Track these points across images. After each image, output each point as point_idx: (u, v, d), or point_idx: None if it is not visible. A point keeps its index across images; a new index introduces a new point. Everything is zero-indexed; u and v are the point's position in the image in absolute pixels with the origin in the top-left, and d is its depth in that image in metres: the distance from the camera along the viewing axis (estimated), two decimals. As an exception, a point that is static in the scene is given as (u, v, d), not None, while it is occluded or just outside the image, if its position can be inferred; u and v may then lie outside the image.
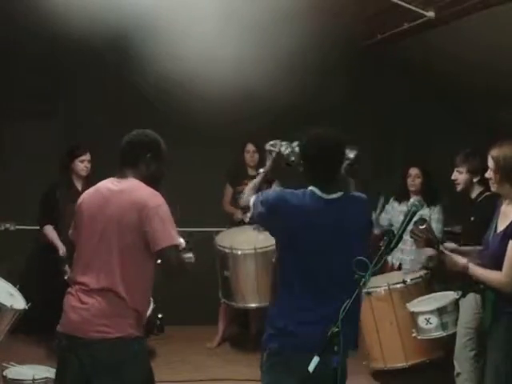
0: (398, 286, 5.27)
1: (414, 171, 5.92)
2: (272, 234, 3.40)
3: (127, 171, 3.38)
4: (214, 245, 6.10)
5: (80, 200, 3.45)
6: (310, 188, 3.31)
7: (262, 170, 3.70)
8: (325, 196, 3.28)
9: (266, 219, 3.34)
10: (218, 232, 6.37)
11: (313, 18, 5.67)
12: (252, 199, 3.40)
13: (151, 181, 3.39)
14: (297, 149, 3.52)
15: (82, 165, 5.95)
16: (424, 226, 4.05)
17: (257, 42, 5.63)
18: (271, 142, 3.68)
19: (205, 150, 6.72)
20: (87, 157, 5.96)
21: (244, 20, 5.43)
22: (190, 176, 6.77)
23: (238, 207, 6.60)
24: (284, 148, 3.61)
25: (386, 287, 5.25)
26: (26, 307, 4.56)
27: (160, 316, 6.28)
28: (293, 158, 3.56)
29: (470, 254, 4.10)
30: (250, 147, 6.56)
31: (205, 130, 6.47)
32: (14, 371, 4.42)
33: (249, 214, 3.43)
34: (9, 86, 6.44)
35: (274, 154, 3.64)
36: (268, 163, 3.67)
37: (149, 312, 5.70)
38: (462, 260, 3.89)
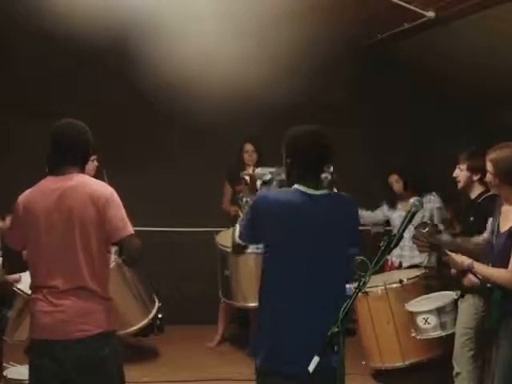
0: (395, 285, 5.26)
1: (393, 178, 5.97)
2: (263, 241, 3.24)
3: (70, 168, 3.37)
4: (214, 244, 6.09)
5: (24, 201, 3.39)
6: (295, 186, 3.20)
7: (247, 200, 3.62)
8: (311, 192, 3.17)
9: (252, 227, 3.20)
10: (218, 232, 6.36)
11: (313, 18, 5.68)
12: (236, 231, 3.31)
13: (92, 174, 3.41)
14: (271, 170, 3.44)
15: (93, 164, 5.97)
16: (426, 230, 4.06)
17: (257, 42, 5.64)
18: (244, 172, 3.65)
19: (205, 150, 6.71)
20: (95, 156, 5.99)
21: (244, 20, 5.44)
22: (191, 176, 6.76)
23: (238, 206, 6.67)
24: (259, 170, 3.55)
25: (383, 287, 5.25)
26: None
27: (160, 316, 6.30)
28: (269, 177, 3.44)
29: (468, 245, 4.14)
30: (249, 147, 6.55)
31: (205, 130, 6.48)
32: (14, 371, 4.41)
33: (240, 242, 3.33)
34: (8, 86, 6.44)
35: (247, 178, 3.64)
36: (246, 191, 3.65)
37: (154, 311, 5.76)
38: (466, 259, 3.91)
